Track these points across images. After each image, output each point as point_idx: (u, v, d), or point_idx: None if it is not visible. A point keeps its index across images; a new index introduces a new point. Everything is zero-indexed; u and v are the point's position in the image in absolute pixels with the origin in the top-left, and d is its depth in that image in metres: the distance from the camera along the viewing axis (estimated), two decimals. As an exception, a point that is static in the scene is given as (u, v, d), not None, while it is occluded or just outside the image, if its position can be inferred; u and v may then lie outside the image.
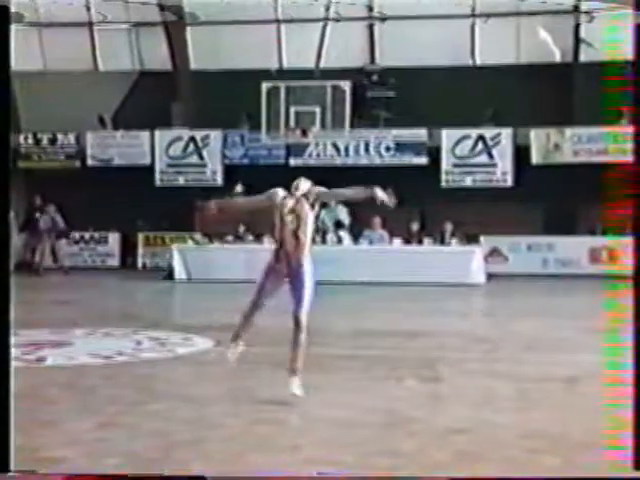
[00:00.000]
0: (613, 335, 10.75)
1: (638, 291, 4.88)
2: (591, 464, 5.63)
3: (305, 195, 7.38)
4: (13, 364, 9.24)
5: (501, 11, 23.33)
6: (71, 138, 24.32)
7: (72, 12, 24.67)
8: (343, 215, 20.59)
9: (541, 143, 22.36)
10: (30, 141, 24.41)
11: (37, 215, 22.24)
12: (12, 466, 4.79)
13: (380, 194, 7.41)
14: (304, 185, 7.46)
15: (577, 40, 22.93)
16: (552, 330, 12.26)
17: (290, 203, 7.38)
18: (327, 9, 23.57)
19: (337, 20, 23.64)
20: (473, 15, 23.55)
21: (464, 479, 5.35)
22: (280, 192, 7.50)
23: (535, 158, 22.35)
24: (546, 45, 23.19)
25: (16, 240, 22.82)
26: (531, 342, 11.15)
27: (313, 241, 7.50)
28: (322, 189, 7.50)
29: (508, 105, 22.04)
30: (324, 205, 20.84)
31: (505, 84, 22.51)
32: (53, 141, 24.36)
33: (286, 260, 7.39)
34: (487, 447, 6.06)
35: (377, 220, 20.08)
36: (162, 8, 23.77)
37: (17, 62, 25.42)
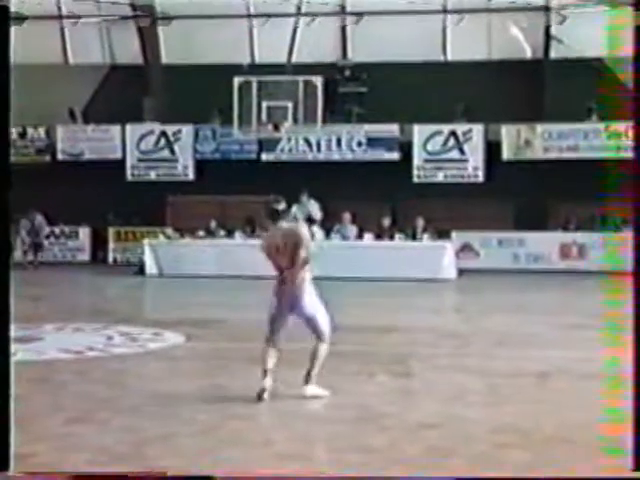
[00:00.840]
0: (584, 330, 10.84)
1: (638, 289, 4.90)
2: (560, 459, 5.67)
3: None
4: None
5: (472, 7, 23.41)
6: (41, 132, 24.15)
7: (42, 5, 24.47)
8: (315, 210, 20.58)
9: (512, 139, 22.47)
10: (-1, 135, 24.22)
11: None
12: (12, 466, 4.75)
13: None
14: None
15: (548, 37, 23.05)
16: (523, 325, 12.33)
17: (279, 239, 7.44)
18: (299, 4, 23.54)
19: (309, 15, 23.61)
20: (445, 11, 23.61)
21: (467, 479, 5.37)
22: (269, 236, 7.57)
23: (506, 154, 22.46)
24: (517, 42, 23.30)
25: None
26: (502, 337, 11.21)
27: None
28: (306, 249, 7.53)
29: (479, 101, 22.14)
30: (295, 200, 20.86)
31: (476, 80, 22.61)
32: (23, 135, 24.16)
33: (286, 290, 7.46)
34: (458, 442, 6.09)
35: (347, 215, 20.10)
36: (134, 7, 23.64)
37: (-14, 55, 24.67)
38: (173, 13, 23.99)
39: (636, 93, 4.81)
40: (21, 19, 24.51)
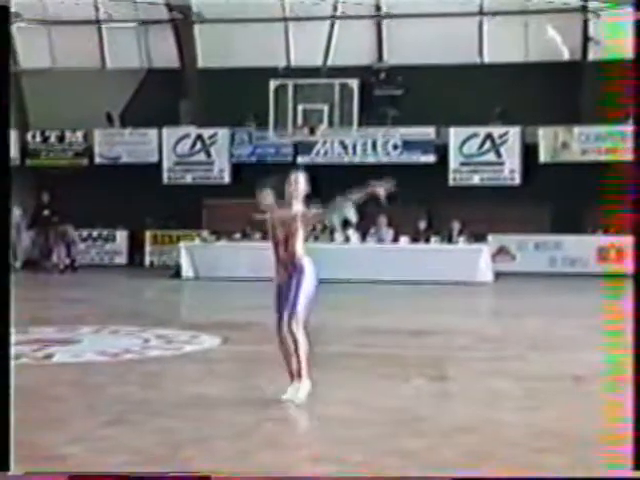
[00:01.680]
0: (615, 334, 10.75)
1: (638, 292, 4.88)
2: (599, 463, 5.61)
3: (296, 214, 7.33)
4: (22, 361, 9.32)
5: (509, 9, 23.28)
6: (79, 136, 24.35)
7: (80, 10, 24.71)
8: (350, 213, 20.54)
9: (549, 141, 22.32)
10: (38, 139, 24.45)
11: (45, 212, 22.24)
12: (12, 466, 4.78)
13: (377, 190, 7.38)
14: (302, 181, 7.45)
15: (585, 38, 22.86)
16: (559, 329, 12.23)
17: (280, 214, 7.36)
18: (335, 7, 23.55)
19: (345, 18, 23.61)
20: (481, 13, 23.51)
21: (466, 479, 5.34)
22: (269, 199, 7.50)
23: (543, 156, 22.31)
24: (554, 43, 23.14)
25: (25, 238, 22.89)
26: (538, 341, 11.13)
27: (316, 239, 7.51)
28: (314, 213, 7.45)
29: (516, 103, 22.01)
30: (329, 203, 20.85)
31: (513, 82, 22.47)
32: (61, 139, 24.38)
33: (281, 267, 7.38)
34: (495, 446, 6.05)
35: (383, 219, 20.07)
36: (170, 7, 23.77)
37: (25, 60, 25.67)
38: (209, 16, 24.11)
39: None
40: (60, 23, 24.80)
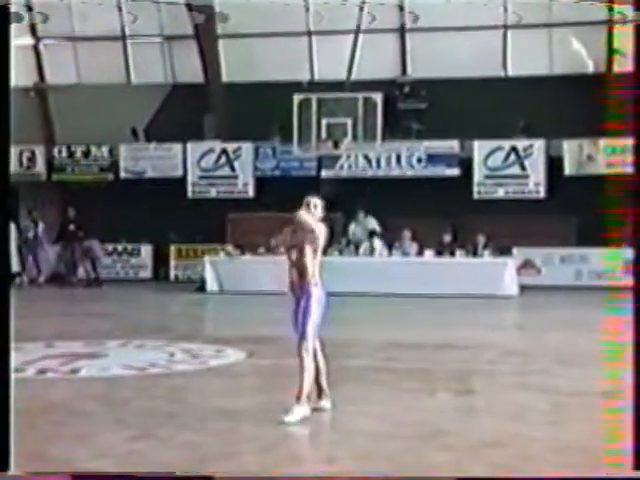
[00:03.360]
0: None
1: (638, 300, 4.87)
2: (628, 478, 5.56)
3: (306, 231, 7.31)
4: (49, 375, 9.36)
5: (533, 22, 23.23)
6: (104, 150, 24.49)
7: (105, 26, 24.89)
8: (373, 224, 20.55)
9: (574, 154, 22.22)
10: (64, 154, 24.60)
11: (71, 227, 22.36)
12: (12, 466, 4.80)
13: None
14: (319, 205, 7.41)
15: (610, 50, 22.76)
16: (585, 343, 12.15)
17: (292, 236, 7.40)
18: (358, 21, 23.57)
19: (369, 32, 23.63)
20: (505, 26, 23.46)
21: (468, 479, 5.33)
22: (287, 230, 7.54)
23: (568, 169, 22.21)
24: (579, 56, 23.06)
25: (49, 252, 23.00)
26: (564, 355, 11.06)
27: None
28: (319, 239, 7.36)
29: (541, 116, 21.94)
30: (352, 217, 20.86)
31: (538, 95, 22.39)
32: (87, 154, 24.53)
33: (294, 289, 7.39)
34: (522, 461, 6.01)
35: (407, 232, 20.05)
36: (195, 25, 23.89)
37: (52, 76, 25.86)
38: (234, 32, 24.21)
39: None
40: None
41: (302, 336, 7.20)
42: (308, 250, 7.25)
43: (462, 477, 5.33)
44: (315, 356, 7.31)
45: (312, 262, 7.25)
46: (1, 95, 4.70)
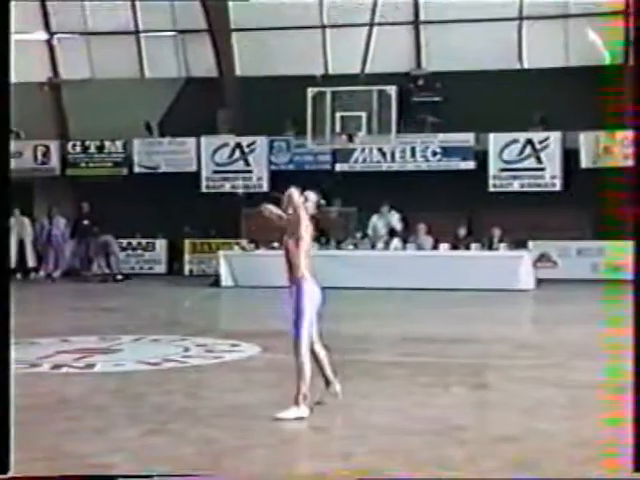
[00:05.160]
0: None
1: (638, 295, 4.82)
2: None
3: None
4: (64, 370, 9.36)
5: (549, 13, 23.10)
6: (118, 145, 24.51)
7: (119, 21, 24.91)
8: (395, 220, 20.45)
9: (590, 147, 22.09)
10: (78, 149, 24.63)
11: (85, 222, 22.39)
12: (12, 467, 4.79)
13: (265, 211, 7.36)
14: (294, 195, 7.23)
15: (627, 42, 22.61)
16: (602, 336, 12.06)
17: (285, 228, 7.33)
18: (373, 14, 23.51)
19: (383, 25, 23.55)
20: (520, 18, 23.34)
21: (469, 479, 5.32)
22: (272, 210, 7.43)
23: (584, 162, 22.09)
24: (596, 47, 22.91)
25: (66, 248, 23.04)
26: (581, 348, 11.00)
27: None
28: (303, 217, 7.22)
29: (557, 108, 21.81)
30: (375, 211, 20.79)
31: (554, 87, 22.26)
32: (101, 148, 24.56)
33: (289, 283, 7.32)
34: (538, 456, 5.96)
35: (422, 226, 19.99)
36: (209, 19, 23.88)
37: (65, 71, 25.90)
38: (247, 25, 24.19)
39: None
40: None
41: (297, 336, 7.08)
42: (291, 243, 7.19)
43: (465, 478, 5.34)
44: (313, 351, 7.21)
45: (298, 255, 7.15)
46: (1, 92, 4.65)
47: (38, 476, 5.25)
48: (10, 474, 4.76)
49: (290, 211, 7.23)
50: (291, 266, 7.22)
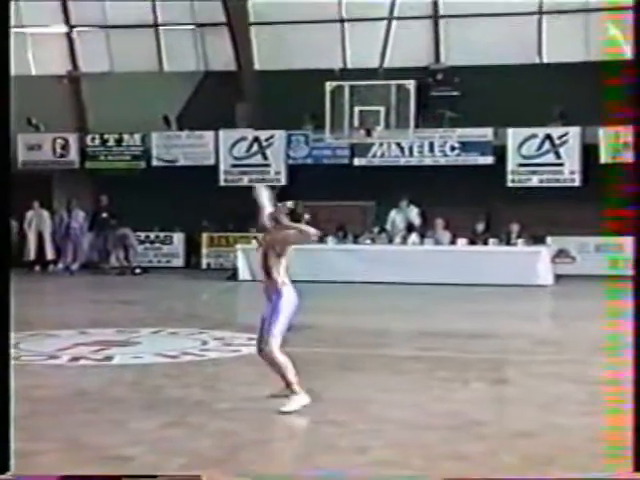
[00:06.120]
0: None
1: (637, 292, 4.79)
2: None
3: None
4: (82, 363, 9.40)
5: (569, 7, 22.98)
6: (137, 138, 24.54)
7: (138, 14, 24.95)
8: (413, 215, 20.41)
9: (610, 142, 21.97)
10: (97, 142, 24.69)
11: (104, 215, 22.46)
12: (12, 467, 4.80)
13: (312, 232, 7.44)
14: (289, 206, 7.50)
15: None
16: (621, 332, 12.01)
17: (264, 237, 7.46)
18: (391, 7, 23.45)
19: (401, 19, 23.49)
20: (540, 12, 23.24)
21: (463, 479, 5.31)
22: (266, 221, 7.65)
23: (604, 157, 21.97)
24: (616, 41, 22.76)
25: (83, 240, 23.13)
26: (599, 344, 10.94)
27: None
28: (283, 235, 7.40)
29: (576, 103, 21.68)
30: (394, 205, 20.76)
31: (573, 82, 22.12)
32: (119, 141, 24.60)
33: (265, 290, 7.36)
34: (557, 451, 5.94)
35: (440, 221, 19.95)
36: (228, 13, 23.88)
37: (85, 64, 25.93)
38: (266, 19, 24.18)
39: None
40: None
41: (269, 333, 7.16)
42: (272, 256, 7.27)
43: (464, 478, 5.32)
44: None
45: (278, 269, 7.24)
46: (1, 86, 4.65)
47: (39, 475, 5.26)
48: (10, 474, 4.77)
49: (276, 225, 7.44)
50: (268, 273, 7.27)
